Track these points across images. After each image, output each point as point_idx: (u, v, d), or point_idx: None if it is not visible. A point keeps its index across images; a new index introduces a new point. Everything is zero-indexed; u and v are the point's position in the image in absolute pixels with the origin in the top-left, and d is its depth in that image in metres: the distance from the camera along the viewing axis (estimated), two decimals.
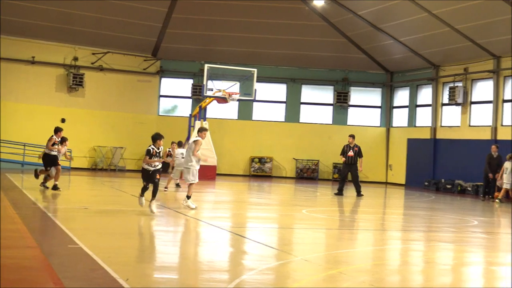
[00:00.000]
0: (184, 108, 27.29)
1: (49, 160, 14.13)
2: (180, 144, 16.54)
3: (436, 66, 24.20)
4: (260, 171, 27.04)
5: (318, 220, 13.21)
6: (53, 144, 14.11)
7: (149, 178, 10.55)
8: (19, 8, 23.60)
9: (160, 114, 27.32)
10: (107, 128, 26.61)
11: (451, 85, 23.28)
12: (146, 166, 10.53)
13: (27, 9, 23.78)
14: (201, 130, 13.18)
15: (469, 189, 20.96)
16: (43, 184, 13.61)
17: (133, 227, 11.14)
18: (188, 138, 23.74)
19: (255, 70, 23.76)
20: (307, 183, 25.21)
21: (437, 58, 24.14)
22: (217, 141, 24.28)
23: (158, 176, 10.70)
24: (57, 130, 14.45)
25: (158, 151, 10.57)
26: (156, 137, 10.72)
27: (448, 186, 22.11)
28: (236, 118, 27.51)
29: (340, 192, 18.21)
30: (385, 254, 8.63)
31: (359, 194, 17.98)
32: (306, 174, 26.64)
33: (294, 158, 27.11)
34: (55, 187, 13.22)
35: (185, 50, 27.74)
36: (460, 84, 23.03)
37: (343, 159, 18.68)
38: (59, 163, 14.94)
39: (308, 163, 27.17)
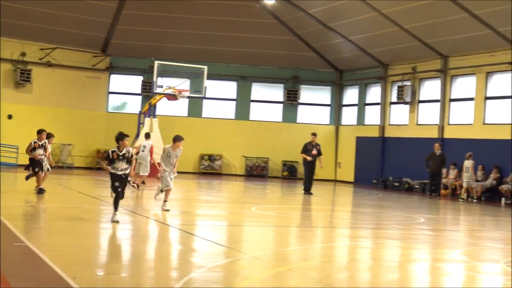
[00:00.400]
0: (134, 105, 27.28)
1: (36, 163, 13.14)
2: (147, 136, 16.15)
3: (385, 65, 24.66)
4: (209, 169, 27.20)
5: (267, 217, 13.26)
6: (34, 149, 12.87)
7: (118, 182, 9.36)
8: None
9: (109, 111, 27.36)
10: (55, 125, 25.16)
11: (400, 84, 23.79)
12: (111, 170, 9.40)
13: None
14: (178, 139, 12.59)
15: (417, 186, 21.60)
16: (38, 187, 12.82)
17: (81, 225, 10.78)
18: (137, 135, 23.65)
19: (206, 67, 23.44)
20: (256, 181, 25.43)
21: (386, 57, 24.62)
22: (167, 138, 23.46)
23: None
24: (39, 132, 13.28)
25: (121, 154, 9.29)
26: (119, 138, 9.49)
27: (396, 184, 22.62)
28: (186, 115, 27.58)
29: (308, 192, 18.25)
30: (334, 251, 8.61)
31: (307, 192, 18.08)
32: (256, 172, 26.89)
33: (244, 156, 27.36)
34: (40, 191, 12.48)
35: (135, 46, 27.68)
36: (408, 83, 23.58)
37: (309, 158, 18.69)
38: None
39: (258, 161, 27.59)
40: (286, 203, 17.09)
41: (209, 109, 27.97)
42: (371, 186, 23.24)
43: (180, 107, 27.04)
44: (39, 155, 12.83)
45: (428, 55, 23.02)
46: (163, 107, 25.51)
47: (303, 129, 25.99)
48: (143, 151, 15.54)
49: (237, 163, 28.09)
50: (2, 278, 5.74)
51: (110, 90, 27.33)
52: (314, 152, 18.62)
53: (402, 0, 21.60)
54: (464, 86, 22.45)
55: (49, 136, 13.67)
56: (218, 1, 24.99)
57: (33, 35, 25.54)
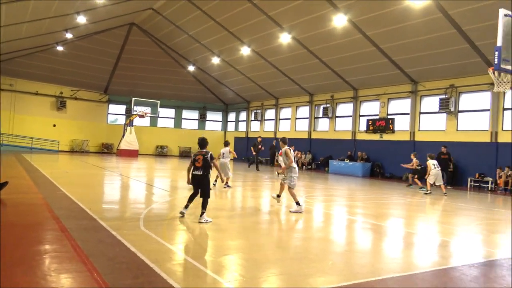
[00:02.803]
0: (121, 120, 37.10)
1: None
2: (226, 144, 14.40)
3: (311, 94, 30.13)
4: (161, 152, 38.03)
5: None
6: None
7: (195, 184, 8.37)
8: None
9: (108, 123, 37.36)
10: (79, 131, 34.89)
11: (324, 106, 28.83)
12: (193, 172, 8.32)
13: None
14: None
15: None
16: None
17: (92, 180, 14.90)
18: (123, 136, 33.04)
19: (159, 101, 34.96)
20: (185, 159, 34.37)
21: (311, 89, 29.80)
22: (138, 137, 34.30)
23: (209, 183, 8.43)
24: None
25: (195, 158, 8.35)
26: (202, 143, 8.63)
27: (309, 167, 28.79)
28: (149, 125, 38.28)
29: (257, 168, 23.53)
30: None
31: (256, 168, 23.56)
32: (184, 154, 36.77)
33: (178, 146, 38.54)
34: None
35: (122, 90, 36.66)
36: (329, 105, 28.49)
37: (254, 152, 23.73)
38: None
39: (185, 149, 37.69)
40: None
41: (161, 122, 38.69)
42: None
43: (146, 121, 37.21)
44: None
45: (343, 87, 27.14)
46: (137, 121, 34.81)
47: (209, 134, 37.70)
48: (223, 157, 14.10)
49: (175, 150, 38.96)
50: (50, 210, 7.99)
51: (109, 112, 37.43)
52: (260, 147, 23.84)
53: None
54: (369, 107, 26.13)
55: None
56: (164, 68, 35.46)
57: (67, 81, 34.05)
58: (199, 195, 8.47)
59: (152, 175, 19.12)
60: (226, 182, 14.07)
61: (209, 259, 5.79)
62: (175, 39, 32.27)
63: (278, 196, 10.69)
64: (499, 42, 7.17)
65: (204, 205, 8.30)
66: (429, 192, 16.06)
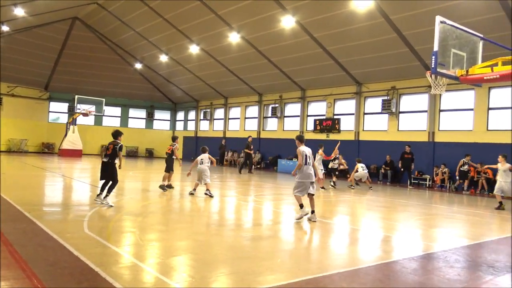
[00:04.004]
0: (63, 119, 36.04)
1: None
2: (204, 150, 13.06)
3: (260, 94, 30.44)
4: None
5: (134, 174, 23.69)
6: None
7: (103, 169, 9.92)
8: None
9: (49, 121, 35.86)
10: (17, 129, 33.38)
11: (273, 105, 29.26)
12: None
13: None
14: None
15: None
16: None
17: (31, 181, 15.03)
18: (65, 135, 31.77)
19: (104, 99, 33.86)
20: (130, 159, 34.41)
21: (261, 89, 30.01)
22: (82, 136, 33.15)
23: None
24: None
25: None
26: (115, 134, 10.32)
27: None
28: (93, 124, 37.12)
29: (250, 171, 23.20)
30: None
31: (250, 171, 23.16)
32: (131, 154, 36.60)
33: (125, 145, 34.66)
34: None
35: (64, 86, 35.34)
36: (278, 105, 29.03)
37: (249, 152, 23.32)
38: None
39: (132, 148, 36.80)
40: (150, 167, 27.77)
41: (106, 121, 37.60)
42: None
43: (90, 120, 36.39)
44: None
45: (292, 88, 27.53)
46: (81, 120, 33.87)
47: (157, 133, 38.32)
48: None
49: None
50: None
51: (50, 110, 36.10)
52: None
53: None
54: (316, 107, 26.78)
55: None
56: (110, 65, 34.54)
57: (3, 77, 31.69)
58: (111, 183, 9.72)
59: (97, 175, 18.52)
60: (207, 189, 12.51)
61: (157, 261, 5.69)
62: (121, 35, 31.50)
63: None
64: (435, 47, 7.58)
65: (110, 189, 9.68)
66: (352, 187, 17.88)
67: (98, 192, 9.75)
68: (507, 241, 8.33)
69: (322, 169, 16.11)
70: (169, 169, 13.42)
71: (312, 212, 8.98)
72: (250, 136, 25.14)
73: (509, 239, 8.56)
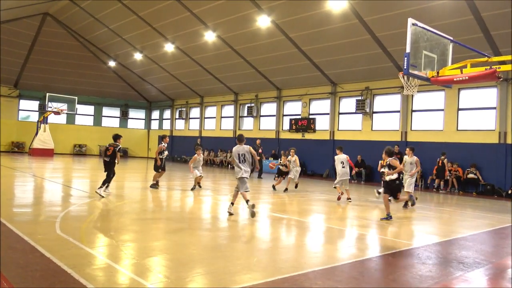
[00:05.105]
0: (34, 117, 35.18)
1: None
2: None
3: (236, 93, 30.33)
4: (80, 152, 36.44)
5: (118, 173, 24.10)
6: None
7: (106, 166, 11.65)
8: None
9: (19, 120, 35.00)
10: None
11: (249, 105, 29.36)
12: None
13: None
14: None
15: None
16: None
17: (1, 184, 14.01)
18: (36, 134, 31.06)
19: (76, 97, 33.37)
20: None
21: (236, 89, 29.78)
22: (54, 135, 32.43)
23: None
24: None
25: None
26: (115, 138, 11.81)
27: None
28: (65, 123, 36.54)
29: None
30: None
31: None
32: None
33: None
34: None
35: (34, 84, 34.48)
36: (253, 104, 28.92)
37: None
38: None
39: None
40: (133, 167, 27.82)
41: (79, 119, 37.21)
42: None
43: (62, 119, 35.73)
44: None
45: (268, 87, 27.65)
46: (52, 118, 33.22)
47: (131, 132, 37.74)
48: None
49: (95, 148, 37.56)
50: None
51: (20, 108, 35.11)
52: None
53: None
54: (292, 107, 27.01)
55: None
56: (82, 63, 33.68)
57: None
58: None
59: (70, 175, 18.57)
60: (198, 183, 14.48)
61: (132, 262, 5.62)
62: (94, 32, 30.89)
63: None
64: (407, 49, 7.76)
65: (104, 182, 11.47)
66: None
67: (100, 185, 11.44)
68: (475, 238, 8.58)
69: (298, 169, 15.79)
70: (157, 168, 14.07)
71: (247, 201, 9.32)
72: (258, 139, 23.87)
73: (478, 236, 8.83)
